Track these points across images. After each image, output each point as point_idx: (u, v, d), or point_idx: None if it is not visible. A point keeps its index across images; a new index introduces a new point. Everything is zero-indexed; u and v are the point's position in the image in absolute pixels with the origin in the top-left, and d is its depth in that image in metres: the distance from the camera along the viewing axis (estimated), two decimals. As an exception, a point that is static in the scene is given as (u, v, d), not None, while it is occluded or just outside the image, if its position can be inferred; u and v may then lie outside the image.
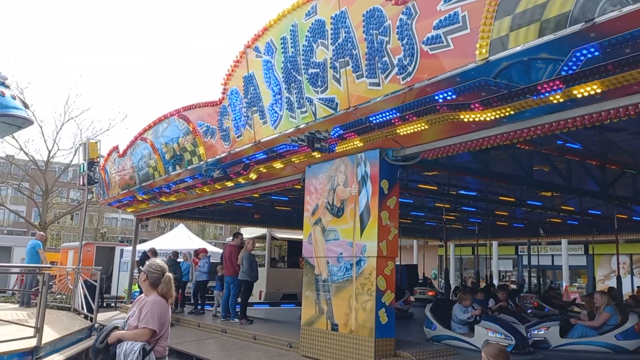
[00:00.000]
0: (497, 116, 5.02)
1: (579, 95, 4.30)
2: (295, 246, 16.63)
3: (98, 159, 13.44)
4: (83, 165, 12.17)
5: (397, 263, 8.12)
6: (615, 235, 12.18)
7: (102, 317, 11.15)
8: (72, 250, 20.79)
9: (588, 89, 4.18)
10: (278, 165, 8.19)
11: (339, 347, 6.94)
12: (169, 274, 4.19)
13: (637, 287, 12.19)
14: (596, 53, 3.79)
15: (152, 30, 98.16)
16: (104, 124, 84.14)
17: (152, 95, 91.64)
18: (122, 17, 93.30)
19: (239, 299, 10.51)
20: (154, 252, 13.11)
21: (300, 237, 8.09)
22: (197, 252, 13.55)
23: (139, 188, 11.98)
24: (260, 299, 15.92)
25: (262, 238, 17.57)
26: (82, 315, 10.33)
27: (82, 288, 10.73)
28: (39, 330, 6.63)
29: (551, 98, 4.44)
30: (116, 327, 4.05)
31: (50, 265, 11.54)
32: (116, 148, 12.86)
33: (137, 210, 14.88)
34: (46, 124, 52.24)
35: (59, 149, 32.36)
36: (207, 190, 10.77)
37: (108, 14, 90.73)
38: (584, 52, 3.81)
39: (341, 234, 7.18)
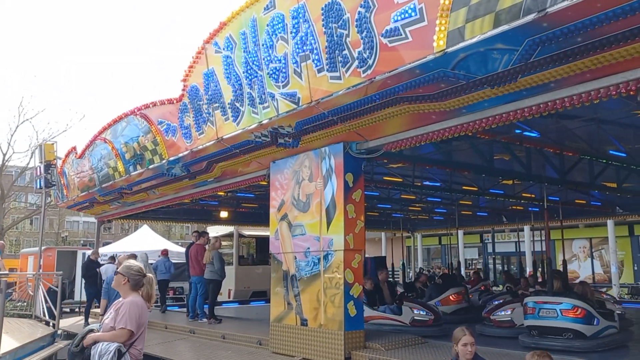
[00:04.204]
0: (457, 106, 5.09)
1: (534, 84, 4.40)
2: (263, 243, 16.52)
3: (55, 161, 13.04)
4: (39, 167, 11.78)
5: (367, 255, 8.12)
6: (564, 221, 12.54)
7: (65, 323, 10.82)
8: (32, 256, 20.14)
9: (542, 77, 4.28)
10: (242, 161, 8.10)
11: (309, 342, 6.94)
12: (150, 275, 4.14)
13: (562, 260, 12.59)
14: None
15: (152, 30, 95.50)
16: (61, 125, 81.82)
17: (149, 97, 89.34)
18: (121, 17, 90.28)
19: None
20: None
21: (268, 233, 8.04)
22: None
23: (99, 189, 11.66)
24: (229, 297, 15.80)
25: (229, 236, 17.40)
26: (44, 322, 10.04)
27: (43, 294, 10.41)
28: (-4, 340, 6.41)
29: (507, 88, 4.53)
30: (91, 330, 3.99)
31: (7, 272, 11.13)
32: (74, 149, 12.46)
33: (98, 212, 14.48)
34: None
35: (14, 152, 31.26)
36: (170, 189, 10.57)
37: (107, 14, 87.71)
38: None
39: (308, 229, 7.16)
